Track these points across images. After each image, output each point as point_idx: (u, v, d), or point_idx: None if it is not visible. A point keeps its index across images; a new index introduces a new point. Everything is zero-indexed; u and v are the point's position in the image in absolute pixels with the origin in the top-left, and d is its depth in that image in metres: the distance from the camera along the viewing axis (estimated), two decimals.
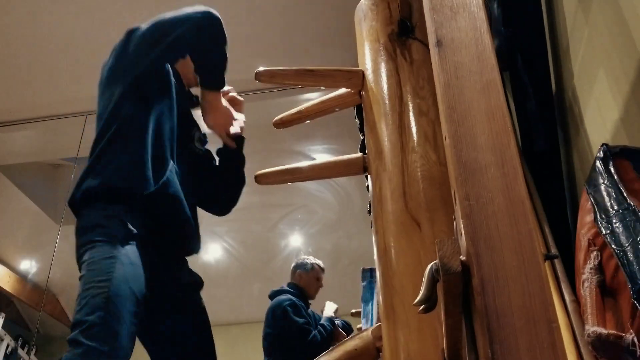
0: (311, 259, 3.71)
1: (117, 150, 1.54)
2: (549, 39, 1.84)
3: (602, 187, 1.11)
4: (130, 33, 1.66)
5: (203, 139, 1.82)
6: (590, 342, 1.03)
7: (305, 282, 3.56)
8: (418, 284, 1.10)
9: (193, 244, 1.69)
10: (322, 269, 3.68)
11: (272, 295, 3.51)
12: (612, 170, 1.11)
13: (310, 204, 5.65)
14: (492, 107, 0.69)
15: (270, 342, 3.33)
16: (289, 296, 3.41)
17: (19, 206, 5.11)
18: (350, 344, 1.21)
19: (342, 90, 1.57)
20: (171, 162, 1.58)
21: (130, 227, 1.45)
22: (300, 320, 3.29)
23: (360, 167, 1.49)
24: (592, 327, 1.02)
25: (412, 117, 1.31)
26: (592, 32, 1.47)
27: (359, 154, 1.52)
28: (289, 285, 3.57)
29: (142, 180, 1.49)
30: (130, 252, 1.41)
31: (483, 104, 0.69)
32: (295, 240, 6.19)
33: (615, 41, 1.34)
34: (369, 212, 1.44)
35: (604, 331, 0.98)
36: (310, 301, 3.57)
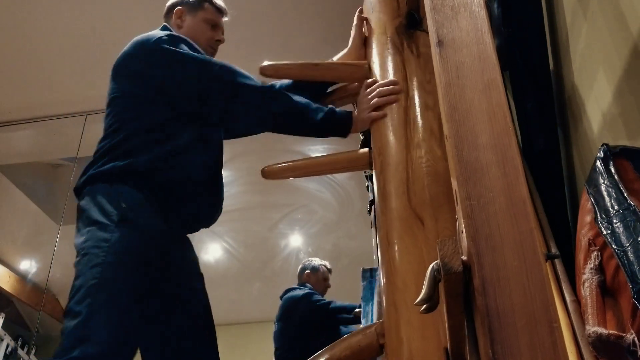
0: (318, 260, 3.83)
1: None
2: (549, 38, 1.84)
3: (603, 187, 1.11)
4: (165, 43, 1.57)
5: None
6: (591, 342, 1.03)
7: (314, 282, 3.67)
8: (421, 282, 1.09)
9: (209, 219, 1.62)
10: (329, 270, 3.81)
11: (284, 294, 3.62)
12: (613, 170, 1.10)
13: (310, 204, 5.64)
14: (493, 106, 0.69)
15: (286, 334, 3.44)
16: (302, 290, 3.53)
17: (19, 206, 5.10)
18: (353, 340, 1.20)
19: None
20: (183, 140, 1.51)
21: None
22: (325, 300, 3.42)
23: (366, 162, 1.47)
24: (593, 327, 1.02)
25: (418, 111, 1.30)
26: (592, 31, 1.47)
27: (365, 149, 1.50)
28: (299, 284, 3.69)
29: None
30: (129, 238, 1.34)
31: (484, 104, 0.69)
32: (295, 240, 6.19)
33: (615, 40, 1.34)
34: (369, 212, 1.44)
35: (604, 331, 0.98)
36: None
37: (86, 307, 1.21)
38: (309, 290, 3.51)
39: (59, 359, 1.17)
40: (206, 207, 1.58)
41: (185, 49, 1.55)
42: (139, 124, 1.52)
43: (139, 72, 1.57)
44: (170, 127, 1.52)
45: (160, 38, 1.56)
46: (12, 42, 3.54)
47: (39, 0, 3.30)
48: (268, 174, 1.58)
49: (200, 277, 1.60)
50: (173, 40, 1.57)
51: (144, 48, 1.57)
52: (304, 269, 3.77)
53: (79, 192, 1.49)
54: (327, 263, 3.83)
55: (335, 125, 1.47)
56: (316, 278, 3.69)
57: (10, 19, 3.39)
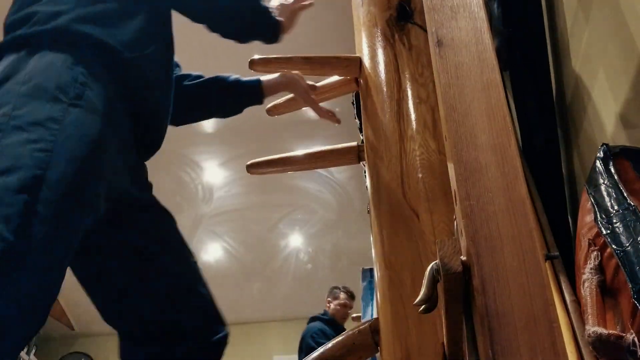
0: (340, 287, 4.03)
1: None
2: (549, 39, 1.84)
3: (603, 187, 1.11)
4: None
5: None
6: (591, 342, 1.03)
7: (334, 311, 3.91)
8: (416, 276, 1.09)
9: (159, 141, 1.30)
10: (349, 295, 3.98)
11: (309, 321, 3.89)
12: (612, 170, 1.10)
13: (310, 204, 5.64)
14: (493, 106, 0.69)
15: None
16: (320, 323, 3.77)
17: None
18: (348, 338, 1.20)
19: (338, 77, 1.55)
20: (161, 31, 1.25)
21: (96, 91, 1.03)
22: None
23: (355, 156, 1.46)
24: (593, 327, 1.02)
25: (411, 104, 1.29)
26: (592, 32, 1.47)
27: (354, 143, 1.50)
28: (324, 312, 3.95)
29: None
30: (89, 125, 0.99)
31: (483, 104, 0.69)
32: (295, 240, 6.19)
33: (615, 41, 1.34)
34: (369, 211, 1.43)
35: (604, 331, 0.98)
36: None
37: (21, 204, 0.85)
38: (317, 327, 3.69)
39: None
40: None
41: None
42: None
43: None
44: None
45: None
46: None
47: None
48: (252, 168, 1.57)
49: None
50: None
51: None
52: (327, 295, 4.00)
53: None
54: (348, 288, 3.99)
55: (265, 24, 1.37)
56: (335, 305, 3.90)
57: None
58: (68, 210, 0.92)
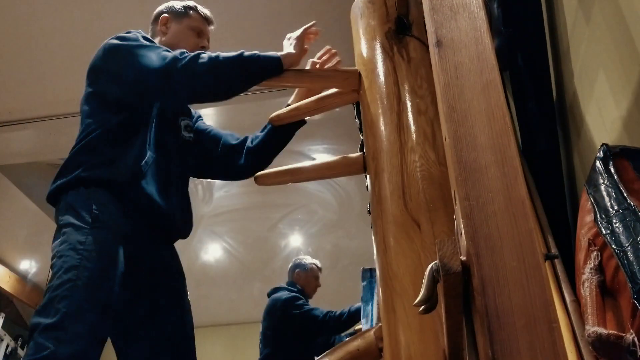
0: (308, 259, 3.81)
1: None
2: (549, 39, 1.84)
3: (602, 187, 1.11)
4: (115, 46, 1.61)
5: (191, 126, 1.76)
6: (591, 342, 1.03)
7: (304, 281, 3.65)
8: (418, 285, 1.10)
9: (181, 232, 1.62)
10: (319, 269, 3.78)
11: (271, 293, 3.60)
12: (612, 170, 1.10)
13: (310, 204, 5.64)
14: (492, 107, 0.69)
15: (269, 335, 3.40)
16: (288, 292, 3.50)
17: (19, 206, 5.10)
18: (352, 345, 1.21)
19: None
20: (149, 153, 1.54)
21: (105, 212, 1.42)
22: (306, 307, 3.38)
23: (360, 167, 1.48)
24: (593, 327, 1.02)
25: (410, 116, 1.30)
26: (592, 32, 1.47)
27: (359, 154, 1.51)
28: (287, 283, 3.65)
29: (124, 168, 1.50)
30: (103, 240, 1.37)
31: (483, 104, 0.69)
32: (295, 240, 6.19)
33: (615, 41, 1.34)
34: (369, 212, 1.44)
35: (604, 331, 0.98)
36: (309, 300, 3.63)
37: (63, 307, 1.23)
38: (294, 294, 3.47)
39: (32, 357, 1.17)
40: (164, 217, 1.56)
41: (131, 41, 1.57)
42: (96, 126, 1.60)
43: (93, 69, 1.67)
44: (126, 130, 1.56)
45: (111, 38, 1.62)
46: (12, 42, 3.54)
47: (38, 0, 3.30)
48: (261, 179, 1.60)
49: (180, 276, 1.59)
50: (122, 36, 1.60)
51: (102, 47, 1.64)
52: (294, 267, 3.74)
53: (52, 199, 1.59)
54: (317, 262, 3.81)
55: (265, 62, 1.50)
56: (306, 277, 3.67)
57: (10, 18, 3.39)
58: (97, 303, 1.29)
